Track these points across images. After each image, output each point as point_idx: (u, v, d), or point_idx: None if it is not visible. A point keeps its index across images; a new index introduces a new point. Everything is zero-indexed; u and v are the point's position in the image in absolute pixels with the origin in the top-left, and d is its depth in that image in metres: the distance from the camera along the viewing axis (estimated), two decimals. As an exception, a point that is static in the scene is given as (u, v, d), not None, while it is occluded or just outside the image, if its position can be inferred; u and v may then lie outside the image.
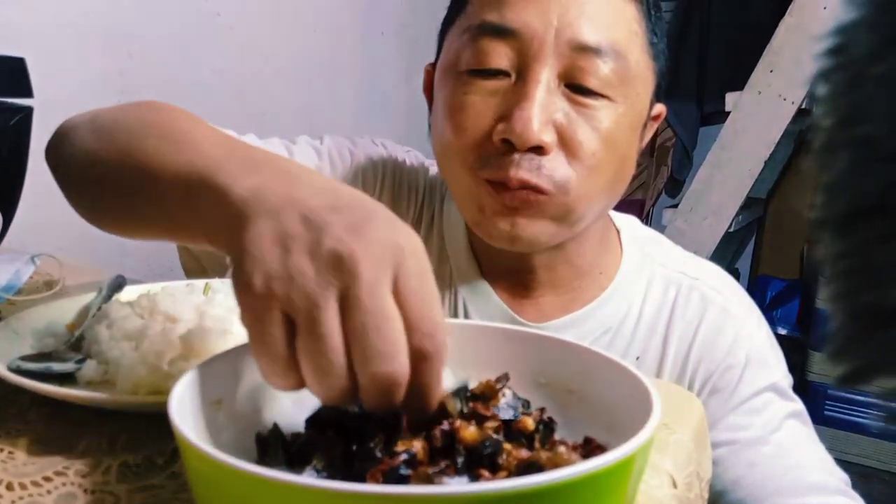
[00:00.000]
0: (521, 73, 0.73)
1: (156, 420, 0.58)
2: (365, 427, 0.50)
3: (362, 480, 0.42)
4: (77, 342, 0.69)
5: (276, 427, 0.49)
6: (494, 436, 0.48)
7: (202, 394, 0.47)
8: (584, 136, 0.73)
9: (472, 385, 0.55)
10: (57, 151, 0.68)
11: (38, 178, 1.19)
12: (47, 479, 0.49)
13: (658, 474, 0.53)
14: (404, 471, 0.40)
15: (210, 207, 0.46)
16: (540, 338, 0.57)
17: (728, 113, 2.45)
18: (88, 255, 1.28)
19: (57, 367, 0.63)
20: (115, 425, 0.57)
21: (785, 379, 0.85)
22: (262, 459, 0.47)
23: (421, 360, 0.42)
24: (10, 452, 0.53)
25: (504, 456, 0.46)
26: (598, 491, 0.36)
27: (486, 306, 0.87)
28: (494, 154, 0.74)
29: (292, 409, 0.53)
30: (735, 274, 3.04)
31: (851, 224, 0.30)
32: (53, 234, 1.04)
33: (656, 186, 3.10)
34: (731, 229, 2.56)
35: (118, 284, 0.81)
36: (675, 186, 3.10)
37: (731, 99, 2.46)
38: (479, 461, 0.45)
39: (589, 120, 0.73)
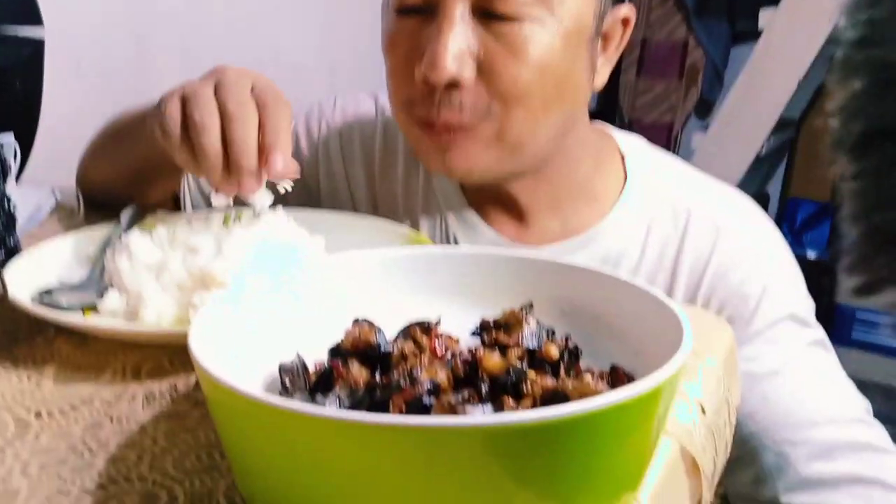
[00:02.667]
0: (434, 9, 0.70)
1: (179, 351, 0.58)
2: (388, 357, 0.49)
3: (385, 410, 0.42)
4: (99, 274, 0.69)
5: (298, 357, 0.49)
6: (518, 364, 0.47)
7: (224, 325, 0.46)
8: (503, 64, 0.70)
9: (495, 314, 0.54)
10: (81, 171, 0.99)
11: (55, 111, 1.17)
12: (74, 407, 0.49)
13: (687, 401, 0.52)
14: (427, 400, 0.40)
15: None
16: (564, 265, 0.56)
17: (761, 31, 2.35)
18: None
19: (80, 298, 0.63)
20: (140, 355, 0.57)
21: (804, 306, 0.82)
22: (286, 390, 0.46)
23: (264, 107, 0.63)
24: (37, 382, 0.53)
25: (528, 384, 0.45)
26: (625, 421, 0.35)
27: (477, 237, 0.85)
28: (419, 94, 0.73)
29: (317, 341, 0.52)
30: (765, 198, 2.97)
31: (866, 146, 0.30)
32: (73, 166, 1.03)
33: (685, 109, 3.01)
34: (763, 152, 2.50)
35: (136, 214, 0.80)
36: (706, 107, 3.01)
37: (764, 16, 2.35)
38: (503, 389, 0.45)
39: (508, 46, 0.70)
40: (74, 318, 0.59)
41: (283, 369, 0.48)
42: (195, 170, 0.63)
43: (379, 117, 0.94)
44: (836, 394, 0.78)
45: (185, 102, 0.62)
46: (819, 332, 0.82)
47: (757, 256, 0.82)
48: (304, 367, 0.48)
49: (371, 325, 0.55)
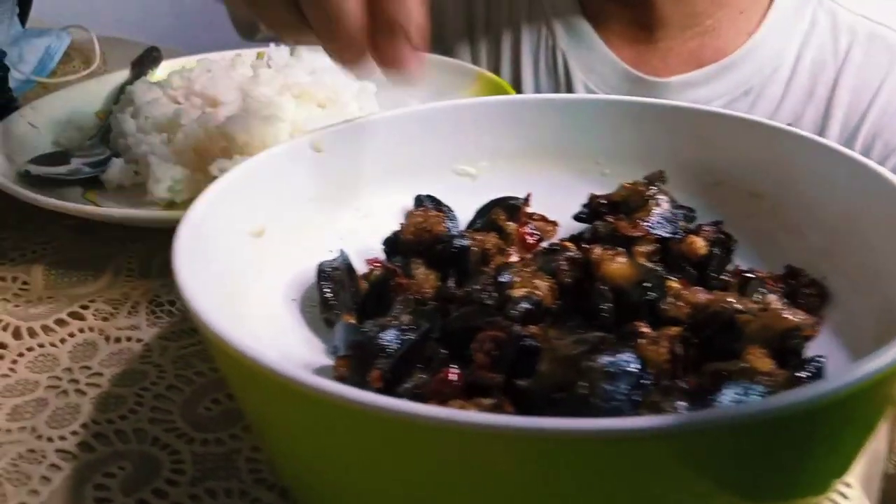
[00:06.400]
0: None
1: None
2: (465, 255, 0.36)
3: (463, 343, 0.29)
4: (105, 135, 0.56)
5: (343, 257, 0.36)
6: (653, 269, 0.33)
7: (235, 220, 0.33)
8: None
9: (607, 189, 0.39)
10: None
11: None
12: (61, 322, 0.38)
13: None
14: (531, 342, 0.26)
15: None
16: (709, 114, 0.40)
17: None
18: (131, 29, 1.13)
19: (80, 168, 0.51)
20: (151, 242, 0.46)
21: None
22: (327, 306, 0.34)
23: None
24: (24, 283, 0.42)
25: (671, 301, 0.31)
26: (884, 392, 0.21)
27: (592, 58, 0.69)
28: None
29: (359, 225, 0.39)
30: None
31: None
32: (87, 4, 0.89)
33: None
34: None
35: (153, 59, 0.66)
36: None
37: None
38: (634, 310, 0.31)
39: None
40: (69, 201, 0.47)
41: (323, 275, 0.35)
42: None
43: None
44: None
45: None
46: None
47: None
48: (352, 275, 0.35)
49: (438, 206, 0.41)
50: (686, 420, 0.19)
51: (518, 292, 0.31)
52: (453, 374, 0.27)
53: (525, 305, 0.31)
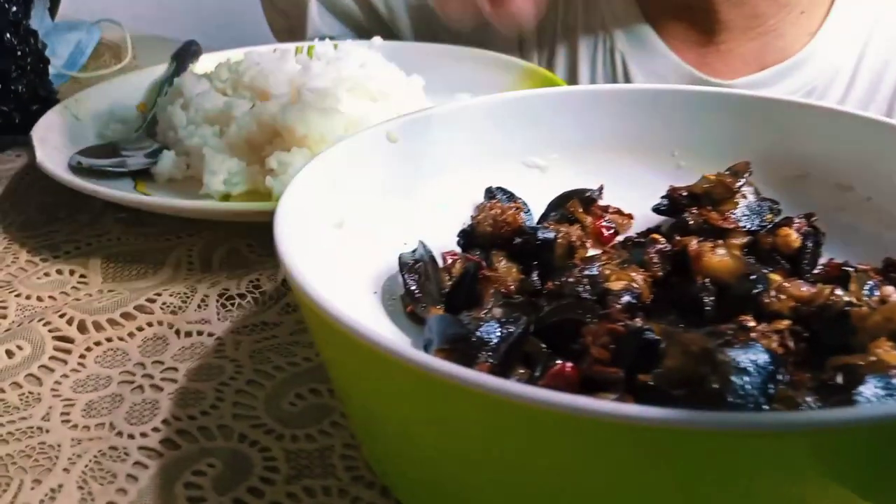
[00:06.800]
0: None
1: (258, 230, 0.45)
2: (550, 248, 0.34)
3: (562, 338, 0.28)
4: (150, 127, 0.55)
5: (424, 249, 0.35)
6: (757, 265, 0.32)
7: (319, 212, 0.32)
8: None
9: (686, 181, 0.38)
10: None
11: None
12: (128, 315, 0.37)
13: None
14: (651, 335, 0.25)
15: None
16: (790, 104, 0.39)
17: None
18: (157, 24, 1.12)
19: (129, 160, 0.50)
20: (209, 234, 0.45)
21: None
22: (412, 298, 0.33)
23: None
24: (81, 276, 0.41)
25: (774, 294, 0.30)
26: None
27: (653, 61, 0.68)
28: None
29: (428, 217, 0.38)
30: None
31: None
32: (113, 4, 0.88)
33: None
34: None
35: (192, 53, 0.65)
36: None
37: None
38: (737, 305, 0.30)
39: None
40: (124, 192, 0.46)
41: (404, 266, 0.34)
42: None
43: None
44: None
45: None
46: None
47: None
48: (436, 267, 0.34)
49: (513, 198, 0.40)
50: (843, 416, 0.18)
51: (616, 285, 0.30)
52: (569, 368, 0.26)
53: (627, 298, 0.30)
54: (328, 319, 0.22)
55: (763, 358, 0.24)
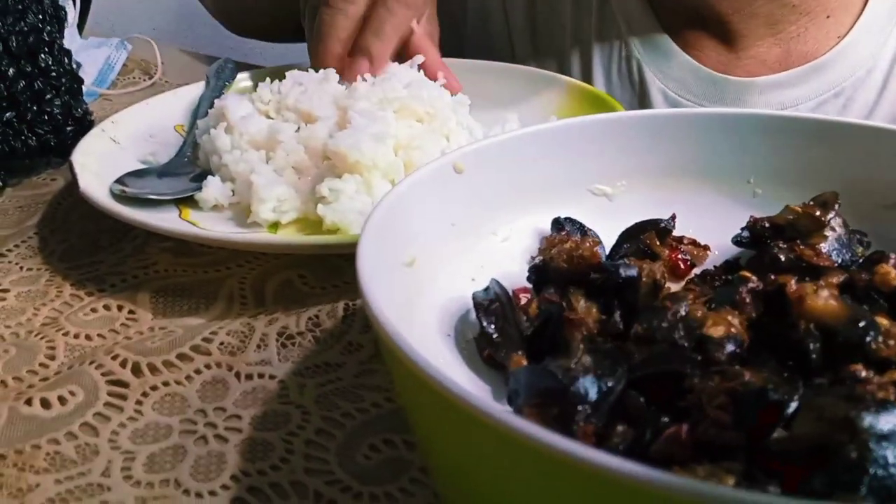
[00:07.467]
0: None
1: (312, 260, 0.43)
2: (635, 286, 0.32)
3: (667, 389, 0.26)
4: (192, 151, 0.53)
5: (499, 288, 0.33)
6: (863, 308, 0.30)
7: (393, 252, 0.30)
8: None
9: (759, 211, 0.36)
10: None
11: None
12: (184, 357, 0.35)
13: None
14: (775, 395, 0.23)
15: None
16: (877, 130, 0.37)
17: None
18: (178, 36, 1.11)
19: (172, 186, 0.48)
20: (259, 265, 0.43)
21: None
22: (490, 343, 0.31)
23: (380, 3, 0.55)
24: (130, 312, 0.39)
25: (881, 340, 0.28)
26: None
27: (670, 66, 0.66)
28: None
29: (498, 259, 0.36)
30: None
31: None
32: (142, 15, 0.87)
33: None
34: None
35: (228, 71, 0.63)
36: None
37: None
38: (847, 352, 0.28)
39: None
40: (170, 220, 0.44)
41: (479, 307, 0.32)
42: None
43: None
44: None
45: None
46: None
47: None
48: (513, 308, 0.32)
49: (585, 231, 0.38)
50: None
51: (716, 331, 0.28)
52: (685, 432, 0.24)
53: (731, 348, 0.28)
54: (425, 379, 0.21)
55: (901, 422, 0.22)
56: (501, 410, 0.19)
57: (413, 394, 0.23)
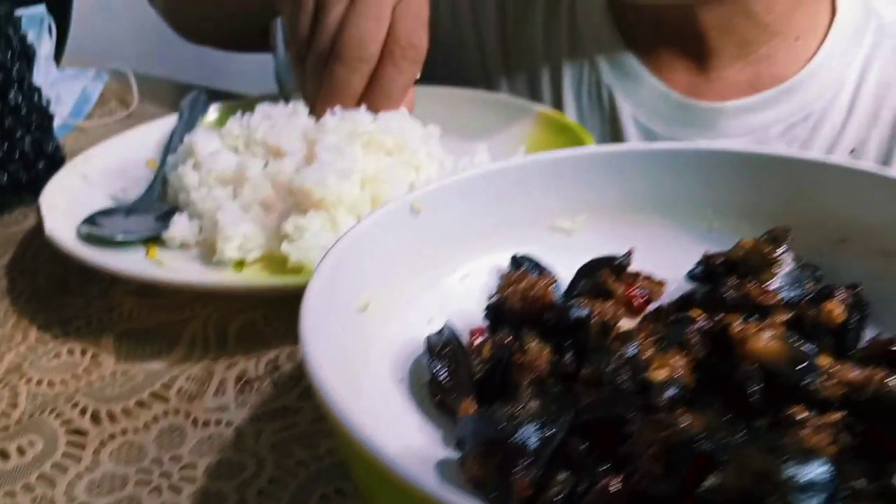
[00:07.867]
0: None
1: (275, 300, 0.43)
2: (583, 327, 0.33)
3: (610, 432, 0.26)
4: (161, 188, 0.54)
5: (450, 333, 0.33)
6: (801, 347, 0.30)
7: (345, 297, 0.31)
8: None
9: (715, 246, 0.37)
10: None
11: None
12: (142, 404, 0.35)
13: None
14: (707, 445, 0.24)
15: None
16: (830, 167, 0.37)
17: None
18: (163, 62, 1.11)
19: (139, 225, 0.49)
20: (223, 305, 0.43)
21: None
22: (441, 389, 0.31)
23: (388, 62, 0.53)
24: (93, 356, 0.40)
25: (821, 380, 0.28)
26: None
27: (639, 89, 0.67)
28: None
29: (457, 299, 0.36)
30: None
31: None
32: (123, 40, 0.87)
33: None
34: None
35: (201, 104, 0.64)
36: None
37: None
38: (788, 393, 0.28)
39: None
40: (134, 263, 0.45)
41: (432, 353, 0.32)
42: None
43: None
44: None
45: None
46: None
47: None
48: (464, 351, 0.33)
49: (541, 270, 0.38)
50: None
51: (659, 375, 0.29)
52: (615, 484, 0.24)
53: (672, 393, 0.28)
54: (359, 448, 0.21)
55: (823, 471, 0.22)
56: (421, 481, 0.20)
57: (349, 454, 0.24)
